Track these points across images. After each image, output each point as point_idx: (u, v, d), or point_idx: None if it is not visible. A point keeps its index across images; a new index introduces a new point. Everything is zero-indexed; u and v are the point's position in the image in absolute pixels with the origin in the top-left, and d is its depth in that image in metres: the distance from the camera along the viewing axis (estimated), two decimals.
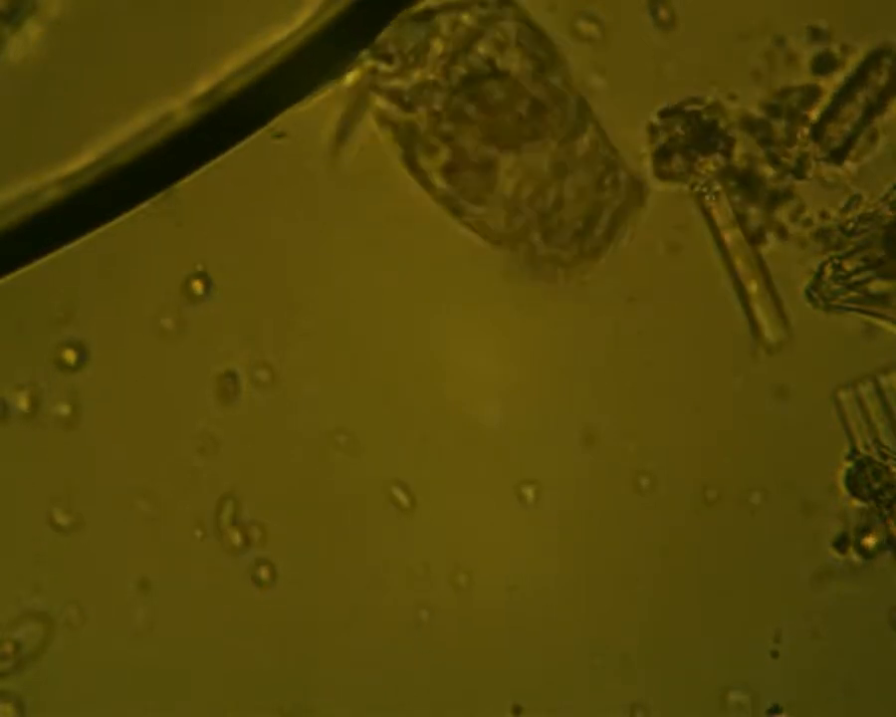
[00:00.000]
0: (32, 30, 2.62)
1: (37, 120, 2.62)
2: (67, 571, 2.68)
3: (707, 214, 2.67)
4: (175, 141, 2.57)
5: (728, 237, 2.66)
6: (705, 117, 2.64)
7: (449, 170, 2.58)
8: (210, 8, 2.63)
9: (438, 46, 2.59)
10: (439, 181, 2.59)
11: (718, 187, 2.61)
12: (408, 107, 2.59)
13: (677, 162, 2.62)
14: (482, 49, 2.58)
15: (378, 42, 2.60)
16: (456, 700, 2.72)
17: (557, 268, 2.65)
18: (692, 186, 2.63)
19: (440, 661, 2.72)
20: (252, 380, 2.70)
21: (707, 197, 2.61)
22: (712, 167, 2.61)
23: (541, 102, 2.57)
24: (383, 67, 2.60)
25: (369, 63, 2.61)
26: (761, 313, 2.68)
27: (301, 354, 2.71)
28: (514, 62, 2.59)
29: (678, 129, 2.62)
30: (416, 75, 2.59)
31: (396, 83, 2.60)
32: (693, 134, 2.62)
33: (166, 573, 2.69)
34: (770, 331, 2.67)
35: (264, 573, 2.71)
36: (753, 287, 2.66)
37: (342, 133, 2.62)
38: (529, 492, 2.72)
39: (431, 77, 2.58)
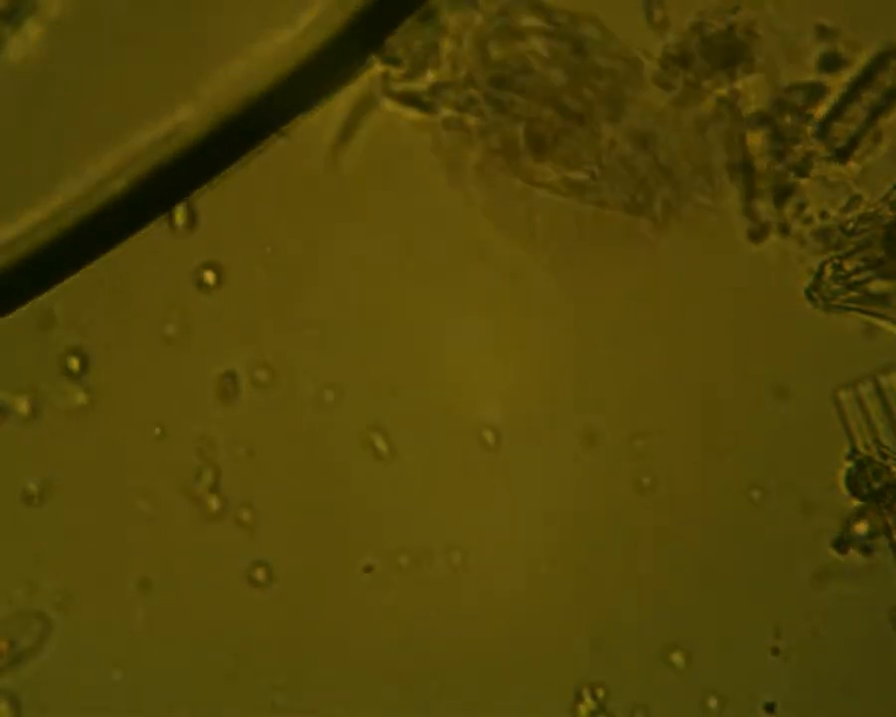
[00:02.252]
0: (32, 30, 2.62)
1: (37, 120, 2.62)
2: (66, 570, 2.68)
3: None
4: (184, 154, 2.56)
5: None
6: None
7: (537, 149, 2.50)
8: (211, 8, 2.63)
9: (447, 45, 2.57)
10: (542, 170, 2.50)
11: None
12: (427, 107, 2.57)
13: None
14: (499, 49, 2.54)
15: (386, 45, 2.58)
16: (454, 701, 2.72)
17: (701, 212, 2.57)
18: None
19: (439, 666, 2.72)
20: (252, 380, 2.70)
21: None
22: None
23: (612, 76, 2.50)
24: (393, 71, 2.58)
25: (378, 67, 2.59)
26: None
27: (301, 353, 2.71)
28: (543, 50, 2.53)
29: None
30: (430, 76, 2.56)
31: (410, 86, 2.58)
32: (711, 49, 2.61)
33: (166, 573, 2.70)
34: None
35: (261, 574, 2.70)
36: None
37: (345, 135, 2.62)
38: (528, 491, 2.72)
39: (447, 77, 2.55)
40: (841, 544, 2.70)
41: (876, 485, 2.68)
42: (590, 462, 2.73)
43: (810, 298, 2.68)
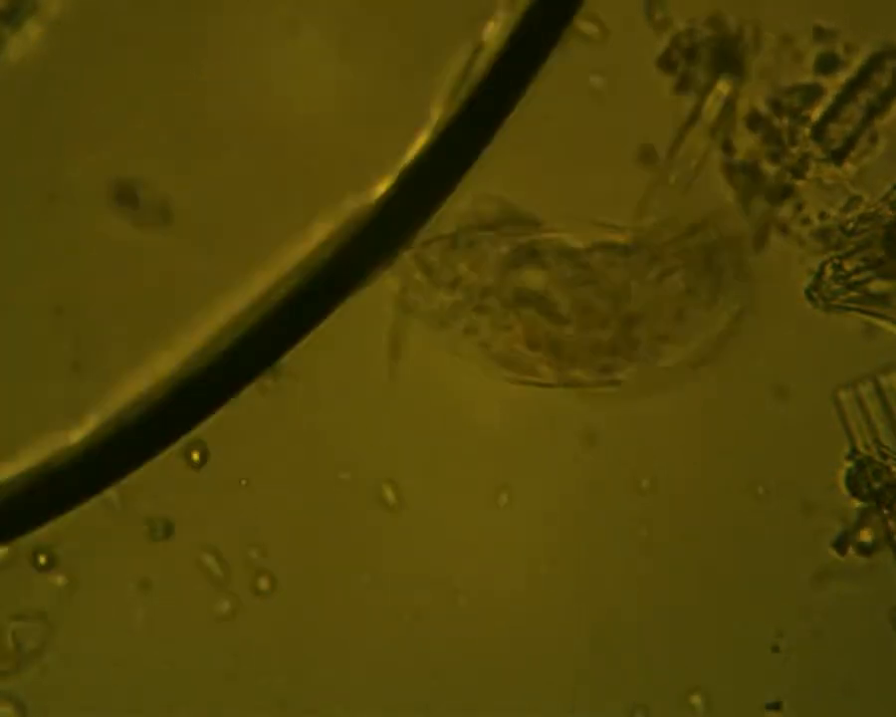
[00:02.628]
0: (32, 30, 2.62)
1: (37, 121, 2.62)
2: (68, 569, 2.68)
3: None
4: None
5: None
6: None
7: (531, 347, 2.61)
8: (211, 8, 2.63)
9: (464, 269, 2.61)
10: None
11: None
12: (442, 324, 2.61)
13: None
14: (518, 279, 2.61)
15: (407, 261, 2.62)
16: (455, 701, 2.72)
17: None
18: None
19: (439, 666, 2.72)
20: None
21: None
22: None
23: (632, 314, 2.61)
24: (418, 278, 2.62)
25: (410, 268, 2.63)
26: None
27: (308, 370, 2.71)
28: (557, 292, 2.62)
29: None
30: (443, 295, 2.61)
31: (424, 300, 2.62)
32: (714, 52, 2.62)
33: (166, 573, 2.70)
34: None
35: (264, 581, 2.70)
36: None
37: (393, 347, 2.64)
38: (529, 492, 2.72)
39: (460, 298, 2.62)
40: (841, 544, 2.70)
41: (876, 485, 2.68)
42: (590, 462, 2.73)
43: (810, 298, 2.68)
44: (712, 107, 2.64)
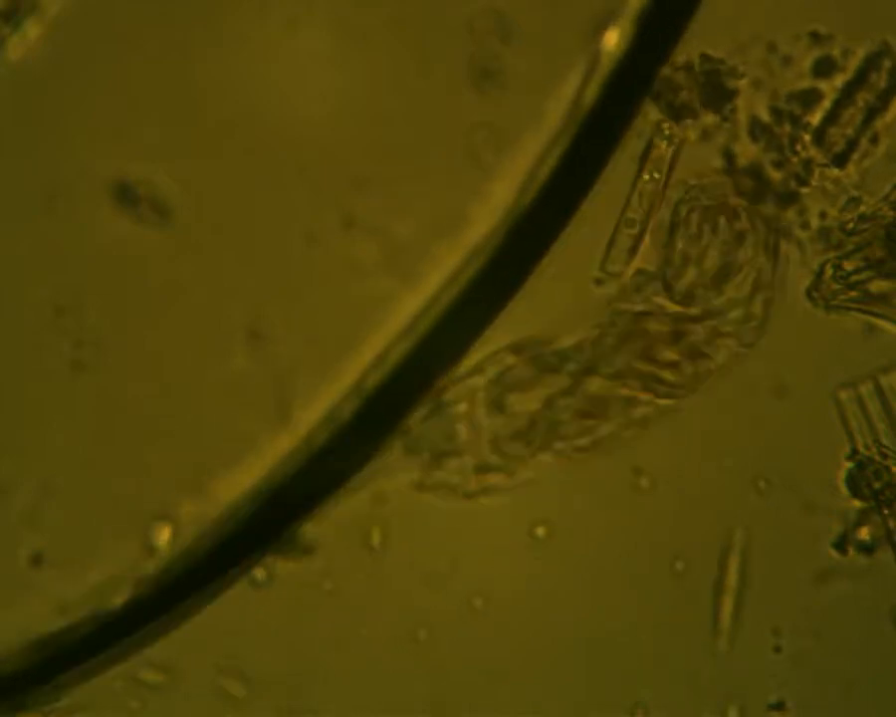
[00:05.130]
0: (32, 30, 2.62)
1: (37, 121, 2.62)
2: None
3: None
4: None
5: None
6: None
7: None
8: (211, 8, 2.63)
9: (463, 431, 2.64)
10: None
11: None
12: (467, 495, 2.66)
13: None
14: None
15: (411, 445, 2.63)
16: (455, 701, 2.72)
17: None
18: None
19: (440, 666, 2.72)
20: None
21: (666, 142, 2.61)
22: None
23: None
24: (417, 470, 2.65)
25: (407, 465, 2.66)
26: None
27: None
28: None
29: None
30: (455, 463, 2.64)
31: (445, 478, 2.64)
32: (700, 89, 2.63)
33: None
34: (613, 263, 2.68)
35: (260, 573, 2.70)
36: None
37: None
38: (528, 494, 2.72)
39: (475, 460, 2.65)
40: (841, 544, 2.70)
41: (876, 485, 2.68)
42: (590, 462, 2.73)
43: (810, 298, 2.68)
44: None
